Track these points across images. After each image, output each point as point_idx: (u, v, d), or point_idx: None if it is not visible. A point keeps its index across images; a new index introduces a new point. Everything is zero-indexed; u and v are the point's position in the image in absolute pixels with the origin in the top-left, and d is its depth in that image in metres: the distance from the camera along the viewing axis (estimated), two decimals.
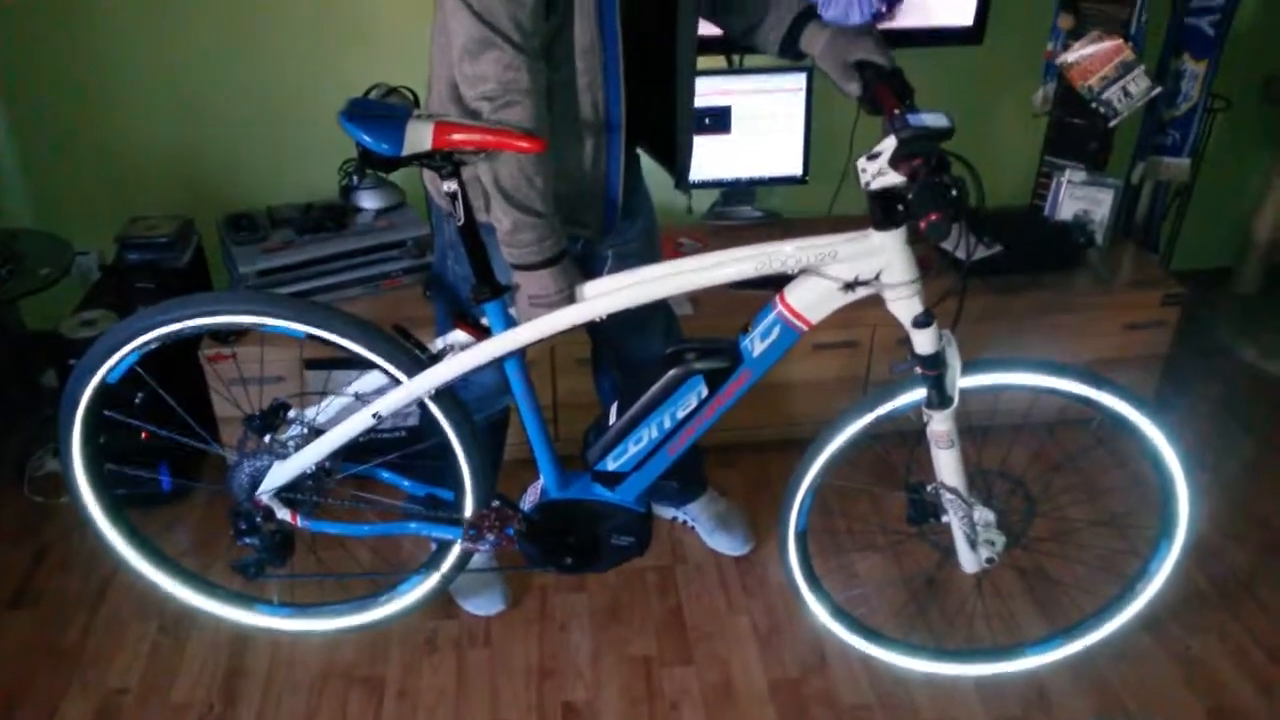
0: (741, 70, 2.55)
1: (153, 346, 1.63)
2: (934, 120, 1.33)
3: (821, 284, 1.47)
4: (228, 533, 1.75)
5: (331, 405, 1.69)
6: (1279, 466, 2.50)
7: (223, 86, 2.51)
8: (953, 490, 1.63)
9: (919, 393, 1.56)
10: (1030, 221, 2.64)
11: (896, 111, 1.38)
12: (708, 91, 2.47)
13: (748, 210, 2.71)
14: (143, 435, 2.03)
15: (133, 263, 2.35)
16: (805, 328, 1.52)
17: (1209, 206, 2.95)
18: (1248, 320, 3.00)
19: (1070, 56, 2.44)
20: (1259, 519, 2.32)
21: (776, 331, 1.53)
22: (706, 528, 2.25)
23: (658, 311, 1.90)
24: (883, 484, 2.26)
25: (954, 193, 1.28)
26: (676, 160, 1.70)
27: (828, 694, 1.91)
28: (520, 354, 1.59)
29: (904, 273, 1.44)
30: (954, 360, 1.52)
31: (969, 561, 1.71)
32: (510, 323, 1.55)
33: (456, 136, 1.35)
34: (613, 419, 1.66)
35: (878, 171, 1.36)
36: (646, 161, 1.76)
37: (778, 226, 2.66)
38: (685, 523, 2.28)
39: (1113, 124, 2.48)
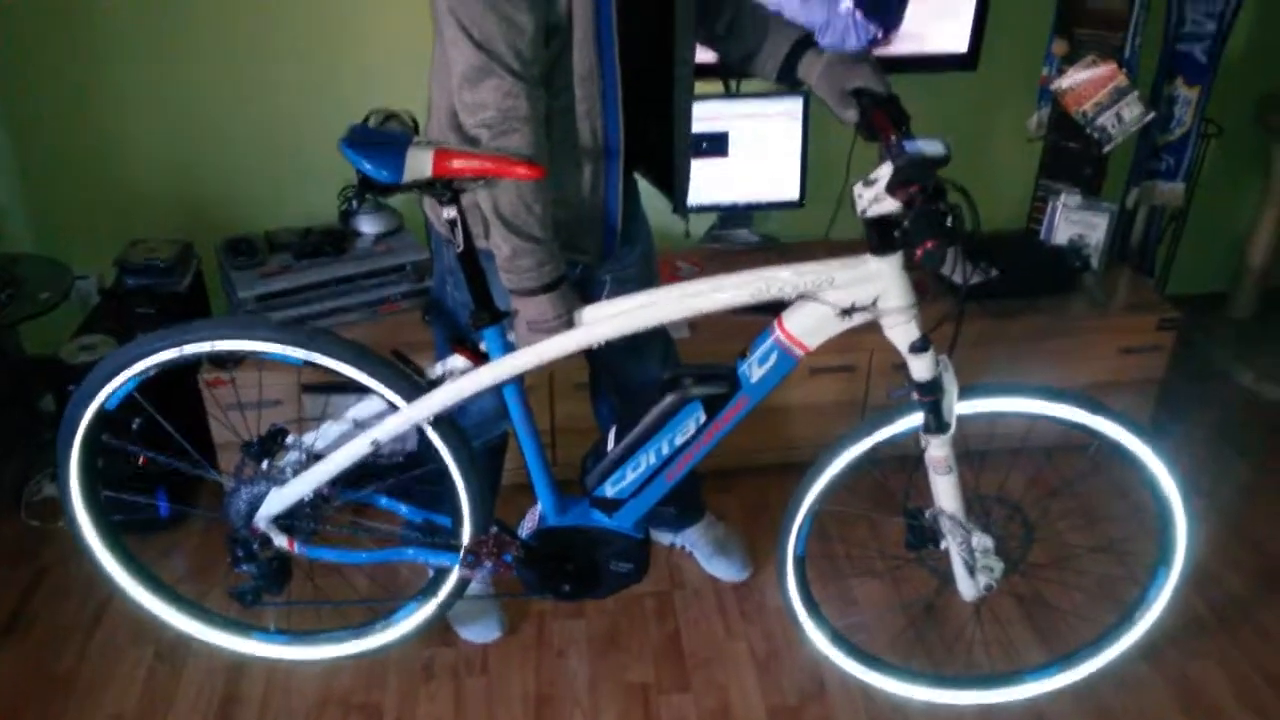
0: (739, 95, 2.56)
1: (151, 373, 1.63)
2: (930, 147, 1.34)
3: (819, 310, 1.48)
4: (225, 559, 1.74)
5: (329, 431, 1.69)
6: (1275, 491, 2.50)
7: (222, 111, 2.53)
8: (951, 516, 1.63)
9: (916, 418, 1.56)
10: (1026, 245, 2.65)
11: (893, 138, 1.39)
12: (705, 116, 2.48)
13: (745, 234, 2.72)
14: (140, 461, 2.03)
15: (132, 287, 2.36)
16: (803, 353, 1.52)
17: (1204, 231, 2.96)
18: (1243, 344, 3.01)
19: (1064, 82, 2.46)
20: (1255, 544, 2.32)
21: (774, 357, 1.53)
22: (705, 553, 2.24)
23: (655, 337, 1.91)
24: (881, 509, 2.26)
25: (949, 220, 1.29)
26: (674, 185, 1.71)
27: None
28: (519, 379, 1.59)
29: (901, 298, 1.45)
30: (951, 386, 1.53)
31: (967, 588, 1.71)
32: (509, 348, 1.55)
33: (456, 164, 1.36)
34: (611, 445, 1.66)
35: (874, 198, 1.37)
36: (644, 186, 1.77)
37: (775, 250, 2.67)
38: (683, 548, 2.28)
39: (1107, 149, 2.50)
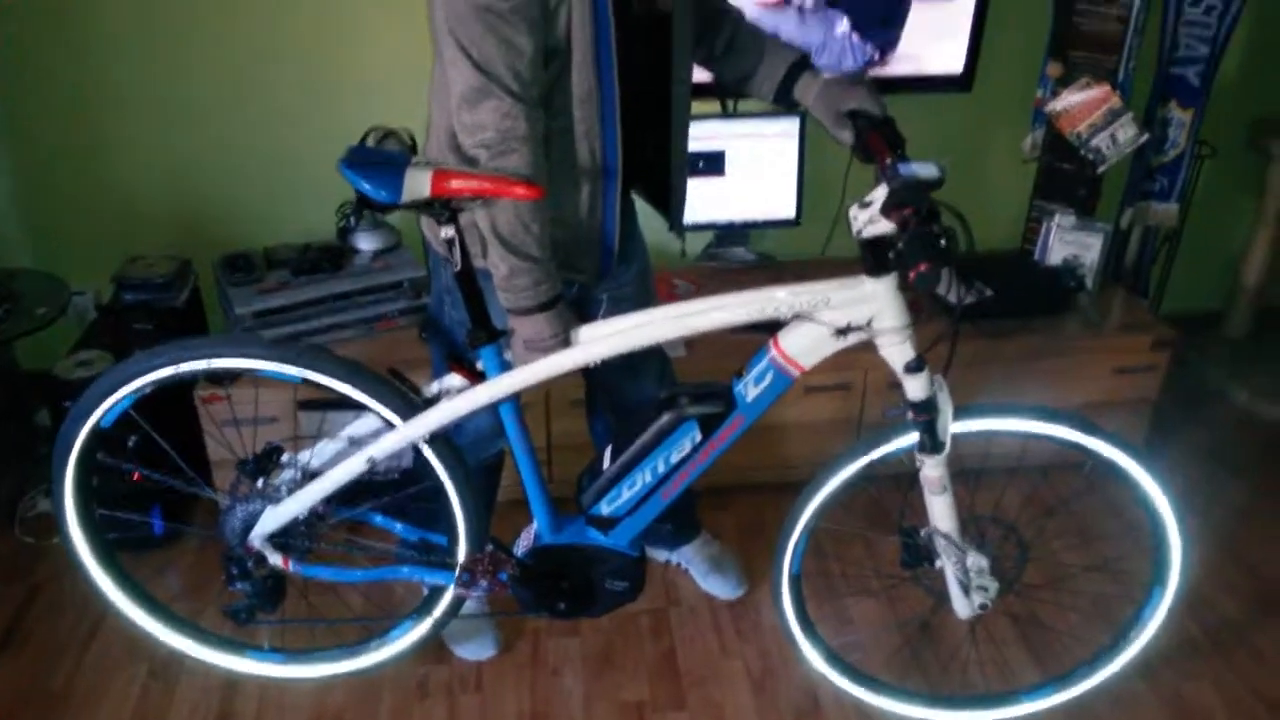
0: (736, 115, 2.58)
1: (147, 390, 1.63)
2: (924, 170, 1.35)
3: (815, 330, 1.48)
4: (219, 577, 1.74)
5: (325, 449, 1.69)
6: (1269, 512, 2.50)
7: (220, 127, 2.54)
8: (946, 536, 1.63)
9: (912, 437, 1.57)
10: (1020, 265, 2.67)
11: (888, 161, 1.40)
12: (702, 135, 2.50)
13: (741, 252, 2.73)
14: (135, 477, 2.03)
15: (129, 303, 2.36)
16: (798, 372, 1.53)
17: (1198, 251, 2.98)
18: (1238, 364, 3.02)
19: (1059, 104, 2.48)
20: (1249, 566, 2.32)
21: (770, 377, 1.54)
22: (700, 571, 2.24)
23: (652, 355, 1.91)
24: (876, 528, 2.26)
25: (944, 242, 1.30)
26: (671, 205, 1.72)
27: None
28: (515, 397, 1.60)
29: (895, 319, 1.46)
30: (946, 405, 1.53)
31: (963, 607, 1.71)
32: (506, 367, 1.56)
33: (455, 184, 1.37)
34: (607, 463, 1.66)
35: (869, 220, 1.38)
36: (641, 204, 1.78)
37: (771, 268, 2.68)
38: (679, 565, 2.28)
39: (1101, 170, 2.51)
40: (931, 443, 1.54)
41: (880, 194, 1.36)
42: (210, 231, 2.62)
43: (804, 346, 1.51)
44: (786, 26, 2.39)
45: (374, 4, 2.45)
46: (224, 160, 2.58)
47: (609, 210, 1.58)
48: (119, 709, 1.93)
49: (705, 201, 2.59)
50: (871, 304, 1.45)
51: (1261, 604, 2.21)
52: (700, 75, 1.67)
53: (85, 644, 2.07)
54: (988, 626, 2.06)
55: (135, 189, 2.59)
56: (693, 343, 2.34)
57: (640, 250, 1.82)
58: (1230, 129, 2.83)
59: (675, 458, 1.61)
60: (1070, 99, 2.46)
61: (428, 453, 1.65)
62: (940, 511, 1.62)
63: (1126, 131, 2.45)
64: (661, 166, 1.66)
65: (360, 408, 1.63)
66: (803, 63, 1.62)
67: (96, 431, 1.67)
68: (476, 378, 1.58)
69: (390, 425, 1.62)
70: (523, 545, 1.77)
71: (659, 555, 2.29)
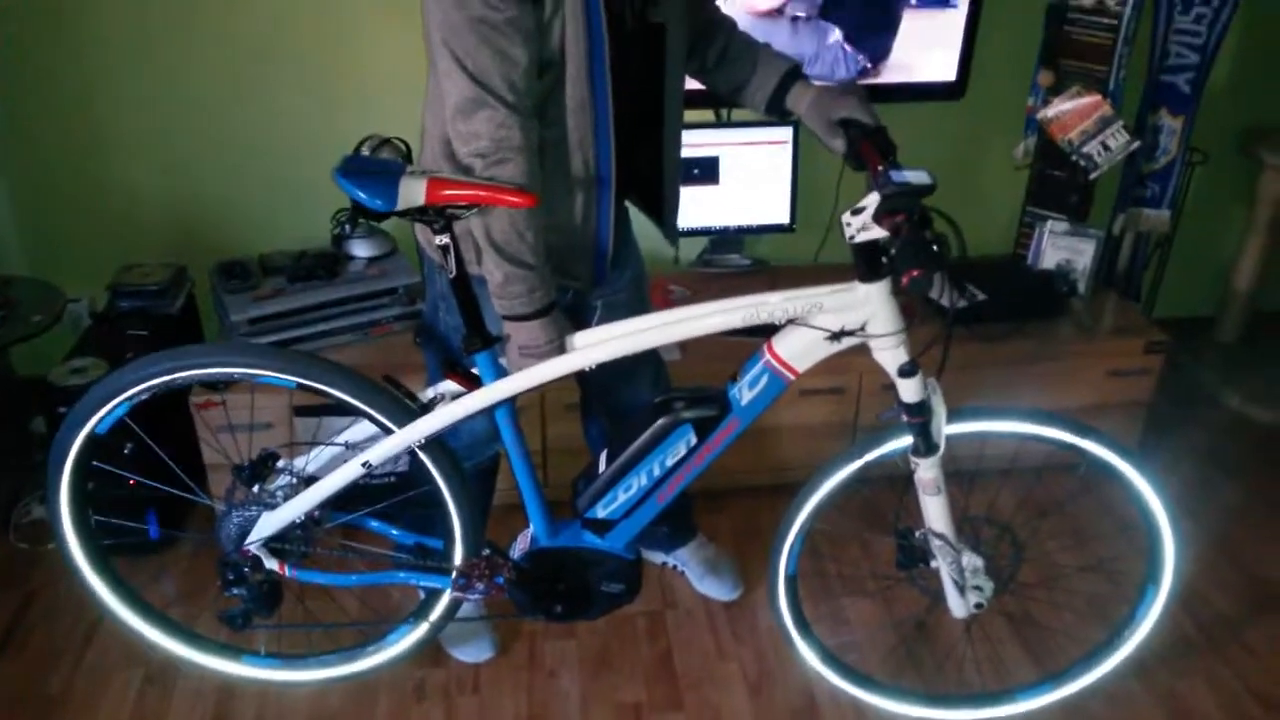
0: (729, 124, 2.59)
1: (143, 397, 1.63)
2: (916, 177, 1.36)
3: (808, 334, 1.49)
4: (215, 582, 1.75)
5: (321, 454, 1.69)
6: (1261, 511, 2.52)
7: (216, 135, 2.55)
8: (941, 536, 1.65)
9: (906, 440, 1.58)
10: (1013, 271, 2.68)
11: (880, 168, 1.41)
12: (696, 142, 2.51)
13: (736, 258, 2.75)
14: (130, 483, 2.03)
15: (124, 310, 2.36)
16: (793, 376, 1.54)
17: (1190, 256, 3.00)
18: (1230, 368, 3.04)
19: (1050, 111, 2.50)
20: (1242, 565, 2.33)
21: (764, 380, 1.55)
22: (696, 573, 2.25)
23: (646, 360, 1.92)
24: (872, 529, 2.27)
25: (936, 248, 1.31)
26: (664, 214, 1.73)
27: None
28: (510, 402, 1.60)
29: (889, 324, 1.47)
30: (939, 408, 1.55)
31: (958, 607, 1.72)
32: (501, 372, 1.57)
33: (449, 192, 1.38)
34: (602, 467, 1.67)
35: (862, 226, 1.39)
36: (635, 211, 1.79)
37: (765, 274, 2.69)
38: (675, 568, 2.29)
39: (1093, 177, 2.53)
40: (926, 445, 1.55)
41: (873, 200, 1.37)
42: (205, 238, 2.63)
43: (798, 351, 1.52)
44: (779, 37, 2.40)
45: (372, 12, 2.46)
46: (219, 167, 2.58)
47: (603, 218, 1.59)
48: (115, 714, 1.93)
49: (700, 207, 2.60)
50: (865, 309, 1.46)
51: (1254, 602, 2.23)
52: (694, 83, 1.68)
53: (81, 650, 2.07)
54: (983, 626, 2.07)
55: (130, 196, 2.59)
56: (687, 347, 2.35)
57: (635, 256, 1.83)
58: (1221, 136, 2.85)
59: (670, 461, 1.62)
60: (1062, 106, 2.48)
61: (423, 457, 1.66)
62: (935, 513, 1.63)
63: (1117, 139, 2.47)
64: (655, 176, 1.68)
65: (356, 413, 1.64)
66: (795, 73, 1.64)
67: (92, 438, 1.67)
68: (472, 383, 1.59)
69: (387, 431, 1.63)
70: (519, 549, 1.78)
71: (655, 558, 2.30)
